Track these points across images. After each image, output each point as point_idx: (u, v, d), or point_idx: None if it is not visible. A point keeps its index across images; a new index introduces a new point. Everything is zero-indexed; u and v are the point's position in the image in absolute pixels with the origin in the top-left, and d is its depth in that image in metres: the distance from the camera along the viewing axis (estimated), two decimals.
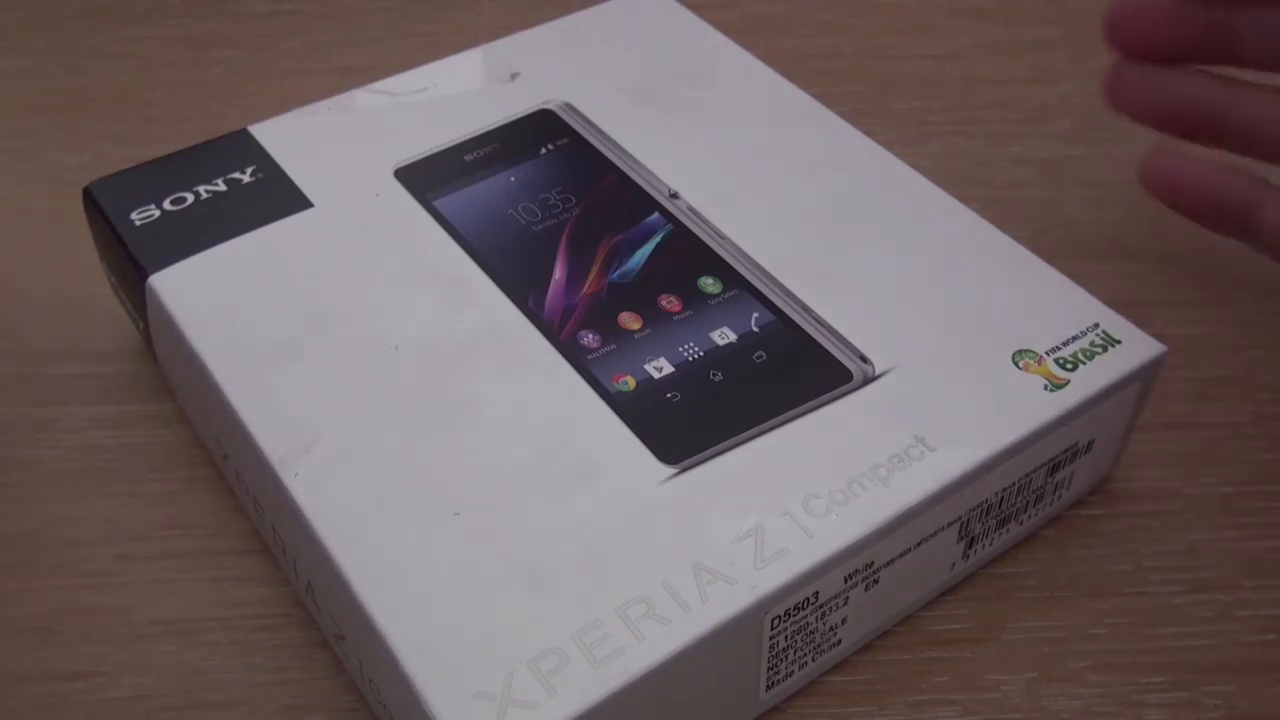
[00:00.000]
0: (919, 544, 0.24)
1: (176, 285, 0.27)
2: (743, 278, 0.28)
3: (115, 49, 0.43)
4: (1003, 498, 0.25)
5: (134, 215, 0.29)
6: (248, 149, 0.31)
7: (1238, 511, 0.29)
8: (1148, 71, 0.31)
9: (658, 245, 0.28)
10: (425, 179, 0.30)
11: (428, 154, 0.31)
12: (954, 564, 0.26)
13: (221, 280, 0.27)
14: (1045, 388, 0.25)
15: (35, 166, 0.38)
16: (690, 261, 0.28)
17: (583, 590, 0.22)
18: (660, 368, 0.26)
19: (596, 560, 0.22)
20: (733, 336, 0.26)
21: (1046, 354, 0.26)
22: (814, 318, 0.27)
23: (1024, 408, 0.25)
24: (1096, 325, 0.26)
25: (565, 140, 0.31)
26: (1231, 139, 0.30)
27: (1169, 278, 0.34)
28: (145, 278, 0.28)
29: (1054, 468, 0.26)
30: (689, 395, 0.25)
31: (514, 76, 0.33)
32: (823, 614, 0.24)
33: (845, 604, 0.24)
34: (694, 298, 0.27)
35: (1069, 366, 0.25)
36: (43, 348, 0.32)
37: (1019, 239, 0.29)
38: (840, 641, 0.25)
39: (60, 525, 0.28)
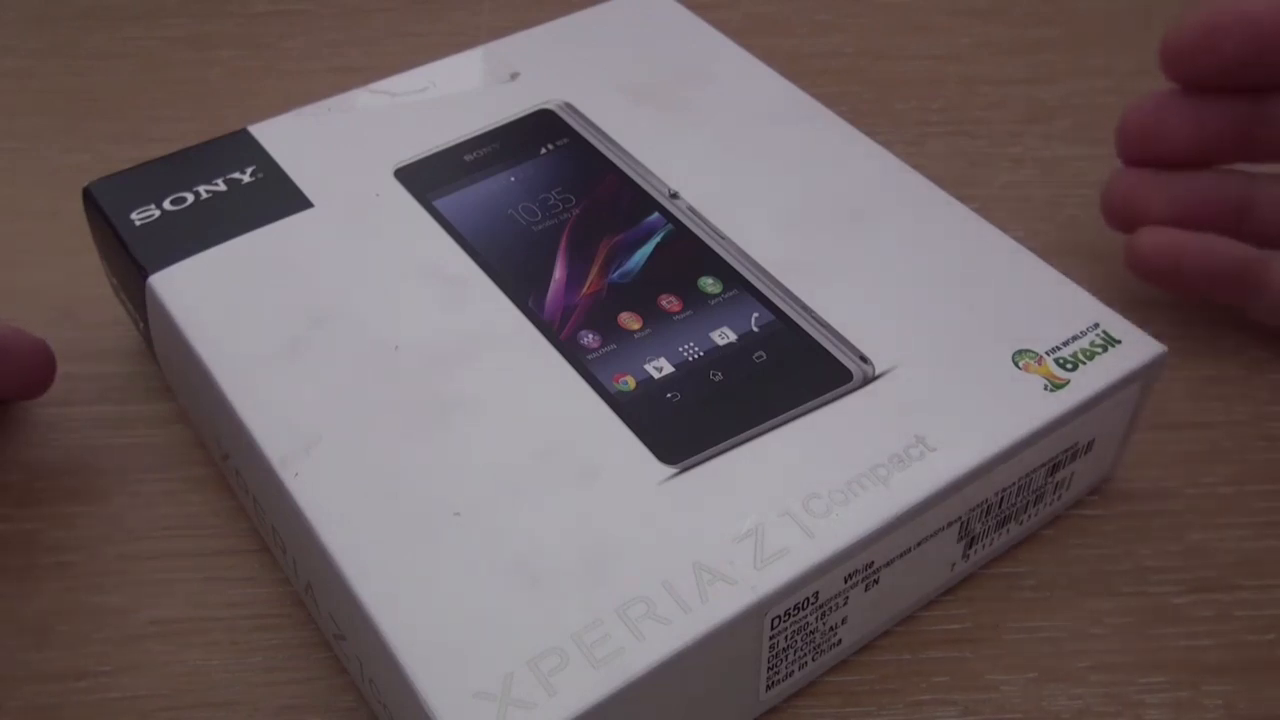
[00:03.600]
0: (919, 544, 0.24)
1: (176, 285, 0.27)
2: (743, 278, 0.28)
3: (115, 49, 0.43)
4: (1003, 498, 0.25)
5: (134, 215, 0.29)
6: (248, 149, 0.31)
7: (1238, 511, 0.29)
8: (1157, 177, 0.31)
9: (658, 245, 0.28)
10: (425, 179, 0.30)
11: (428, 154, 0.31)
12: (954, 564, 0.26)
13: (221, 280, 0.27)
14: (1045, 388, 0.25)
15: (35, 166, 0.38)
16: (690, 261, 0.28)
17: (583, 590, 0.22)
18: (660, 368, 0.26)
19: (596, 560, 0.22)
20: (733, 336, 0.26)
21: (1046, 354, 0.26)
22: (814, 318, 0.27)
23: (1024, 408, 0.25)
24: (1096, 325, 0.26)
25: (565, 140, 0.31)
26: (1252, 227, 0.31)
27: None
28: (145, 278, 0.28)
29: (1054, 468, 0.26)
30: (689, 395, 0.25)
31: (514, 76, 0.33)
32: (823, 614, 0.24)
33: (845, 604, 0.24)
34: (694, 298, 0.27)
35: (1069, 366, 0.25)
36: None
37: (1019, 239, 0.29)
38: (840, 641, 0.25)
39: (60, 525, 0.28)
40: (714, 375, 0.25)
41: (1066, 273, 0.28)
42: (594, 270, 0.28)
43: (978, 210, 0.30)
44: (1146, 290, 0.34)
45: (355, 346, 0.26)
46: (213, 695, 0.25)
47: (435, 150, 0.31)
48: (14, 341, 0.29)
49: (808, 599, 0.23)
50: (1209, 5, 0.29)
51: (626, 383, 0.25)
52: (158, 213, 0.29)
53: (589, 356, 0.26)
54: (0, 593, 0.27)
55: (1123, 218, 0.32)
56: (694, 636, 0.21)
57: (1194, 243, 0.30)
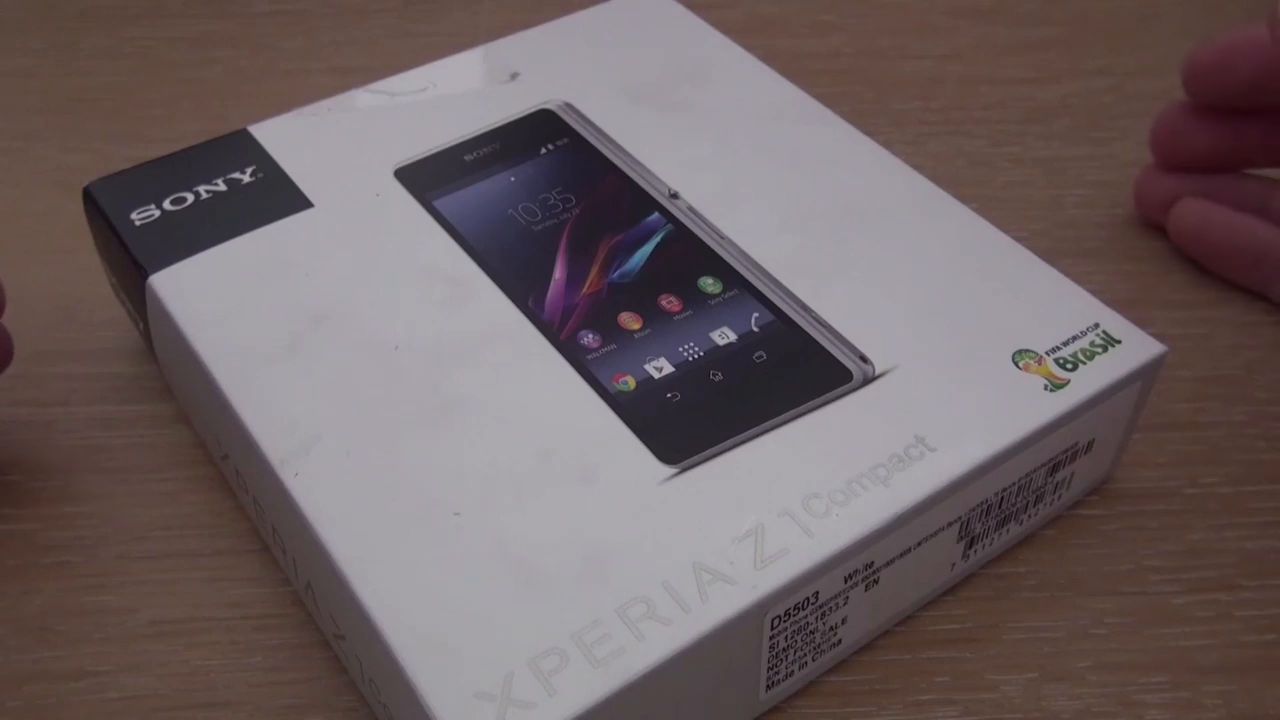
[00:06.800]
0: (919, 544, 0.24)
1: (176, 285, 0.27)
2: (743, 278, 0.28)
3: (115, 49, 0.43)
4: (1003, 498, 0.25)
5: (134, 215, 0.29)
6: (248, 149, 0.31)
7: (1238, 511, 0.29)
8: (1185, 176, 0.34)
9: (658, 245, 0.28)
10: (425, 179, 0.30)
11: (428, 154, 0.31)
12: (954, 564, 0.26)
13: (221, 280, 0.27)
14: (1045, 388, 0.25)
15: (35, 166, 0.38)
16: (690, 261, 0.28)
17: (583, 590, 0.22)
18: (660, 368, 0.26)
19: (596, 560, 0.22)
20: (733, 336, 0.26)
21: (1046, 354, 0.26)
22: (814, 318, 0.27)
23: (1024, 408, 0.25)
24: (1096, 325, 0.26)
25: (565, 140, 0.31)
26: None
27: (1169, 278, 0.34)
28: (145, 278, 0.28)
29: (1054, 468, 0.26)
30: (689, 395, 0.25)
31: (514, 76, 0.33)
32: (823, 614, 0.24)
33: (845, 604, 0.24)
34: (694, 298, 0.27)
35: (1069, 366, 0.25)
36: (43, 348, 0.32)
37: (1019, 239, 0.29)
38: (840, 641, 0.25)
39: (60, 525, 0.28)
40: (714, 375, 0.25)
41: (1066, 273, 0.28)
42: (594, 270, 0.28)
43: (978, 210, 0.30)
44: (1146, 290, 0.34)
45: (355, 346, 0.26)
46: (213, 695, 0.25)
47: (435, 150, 0.31)
48: None
49: (808, 599, 0.23)
50: (1228, 31, 0.32)
51: (626, 383, 0.25)
52: (158, 213, 0.29)
53: (589, 356, 0.26)
54: (0, 592, 0.27)
55: (1154, 210, 0.35)
56: (694, 636, 0.21)
57: (1222, 216, 0.33)
